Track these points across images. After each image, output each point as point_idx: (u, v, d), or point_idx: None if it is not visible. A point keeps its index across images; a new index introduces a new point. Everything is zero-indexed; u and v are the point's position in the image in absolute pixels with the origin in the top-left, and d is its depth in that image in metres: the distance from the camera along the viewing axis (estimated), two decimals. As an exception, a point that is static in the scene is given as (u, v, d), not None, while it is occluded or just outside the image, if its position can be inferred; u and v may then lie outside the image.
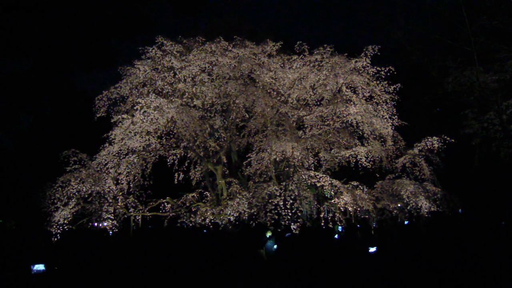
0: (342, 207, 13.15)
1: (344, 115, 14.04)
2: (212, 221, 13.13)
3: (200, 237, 7.21)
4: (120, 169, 13.90)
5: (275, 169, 14.41)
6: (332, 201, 13.67)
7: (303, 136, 14.38)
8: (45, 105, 30.39)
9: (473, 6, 18.42)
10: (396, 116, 14.55)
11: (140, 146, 13.78)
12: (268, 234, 8.72)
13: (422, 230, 5.92)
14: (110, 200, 13.76)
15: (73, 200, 13.26)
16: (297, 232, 11.45)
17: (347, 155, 14.24)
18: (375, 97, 14.56)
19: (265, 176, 13.86)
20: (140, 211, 14.91)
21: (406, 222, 12.88)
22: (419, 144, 14.92)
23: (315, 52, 14.98)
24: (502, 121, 18.23)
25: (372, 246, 5.81)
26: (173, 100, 13.80)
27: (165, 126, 13.90)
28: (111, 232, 12.76)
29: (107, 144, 14.03)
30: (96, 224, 13.43)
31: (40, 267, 6.56)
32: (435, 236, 4.93)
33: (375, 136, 14.37)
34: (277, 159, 13.64)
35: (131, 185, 14.36)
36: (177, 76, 14.74)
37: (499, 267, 4.36)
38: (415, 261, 4.55)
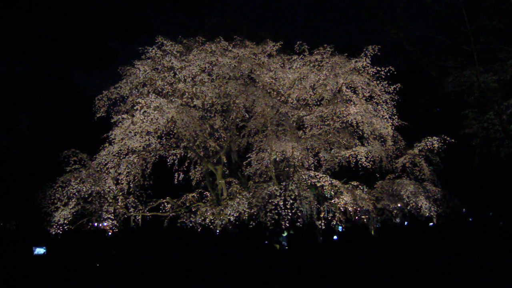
0: (342, 207, 13.14)
1: (344, 115, 14.04)
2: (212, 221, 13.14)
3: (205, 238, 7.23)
4: (120, 169, 13.93)
5: (275, 169, 14.41)
6: (332, 201, 13.66)
7: (303, 136, 14.37)
8: (45, 105, 30.37)
9: (473, 6, 18.39)
10: (396, 116, 14.55)
11: (140, 146, 13.79)
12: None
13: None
14: (110, 200, 13.78)
15: (73, 200, 13.29)
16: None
17: (347, 155, 14.23)
18: (375, 97, 14.56)
19: (265, 176, 13.86)
20: (140, 211, 14.91)
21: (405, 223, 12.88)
22: (419, 144, 14.92)
23: (315, 52, 14.98)
24: (502, 121, 18.21)
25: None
26: (173, 100, 13.79)
27: (165, 126, 13.90)
28: (110, 233, 12.78)
29: (107, 144, 14.03)
30: (96, 224, 13.45)
31: (41, 250, 6.84)
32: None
33: (375, 136, 14.36)
34: (277, 159, 13.64)
35: (131, 185, 14.39)
36: (177, 76, 14.74)
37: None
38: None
